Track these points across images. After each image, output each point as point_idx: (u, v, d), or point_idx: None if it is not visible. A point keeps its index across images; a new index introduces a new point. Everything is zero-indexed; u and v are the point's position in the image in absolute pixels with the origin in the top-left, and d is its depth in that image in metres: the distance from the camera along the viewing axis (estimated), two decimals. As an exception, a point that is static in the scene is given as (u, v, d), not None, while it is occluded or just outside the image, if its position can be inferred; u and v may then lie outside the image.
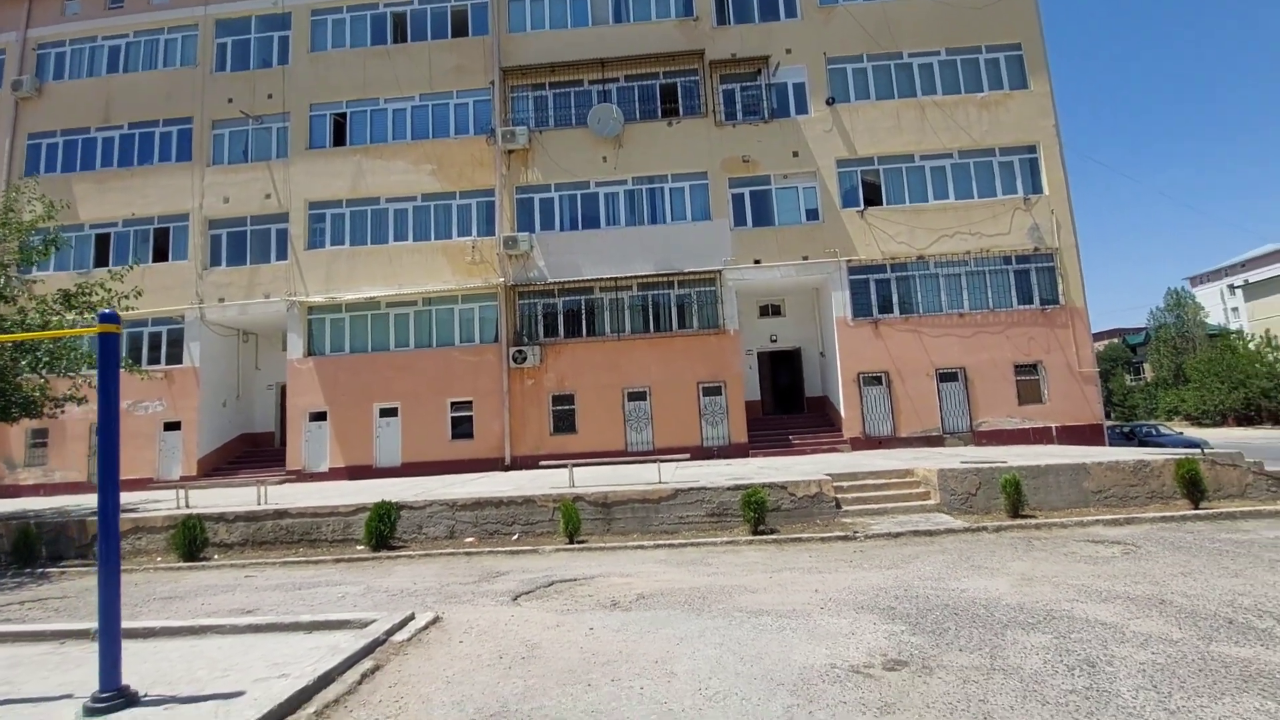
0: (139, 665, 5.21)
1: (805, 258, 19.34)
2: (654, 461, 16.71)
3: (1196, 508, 10.15)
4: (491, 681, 4.71)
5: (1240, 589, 6.07)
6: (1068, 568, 7.27)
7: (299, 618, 6.23)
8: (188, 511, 11.54)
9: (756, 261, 19.37)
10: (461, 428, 19.33)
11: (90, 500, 16.27)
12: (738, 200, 19.89)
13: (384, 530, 10.45)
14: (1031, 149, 19.49)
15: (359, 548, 10.71)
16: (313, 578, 9.07)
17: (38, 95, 22.43)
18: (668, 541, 9.95)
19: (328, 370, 19.66)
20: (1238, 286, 58.68)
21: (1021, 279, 19.13)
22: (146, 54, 22.30)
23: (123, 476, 17.01)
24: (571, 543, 10.16)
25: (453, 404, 19.39)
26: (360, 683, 4.75)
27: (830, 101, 19.80)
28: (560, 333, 19.63)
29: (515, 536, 10.85)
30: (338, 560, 10.07)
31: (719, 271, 19.33)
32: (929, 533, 9.52)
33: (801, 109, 20.00)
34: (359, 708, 4.37)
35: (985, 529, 9.60)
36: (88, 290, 13.30)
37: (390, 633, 5.68)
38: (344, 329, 20.04)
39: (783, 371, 22.04)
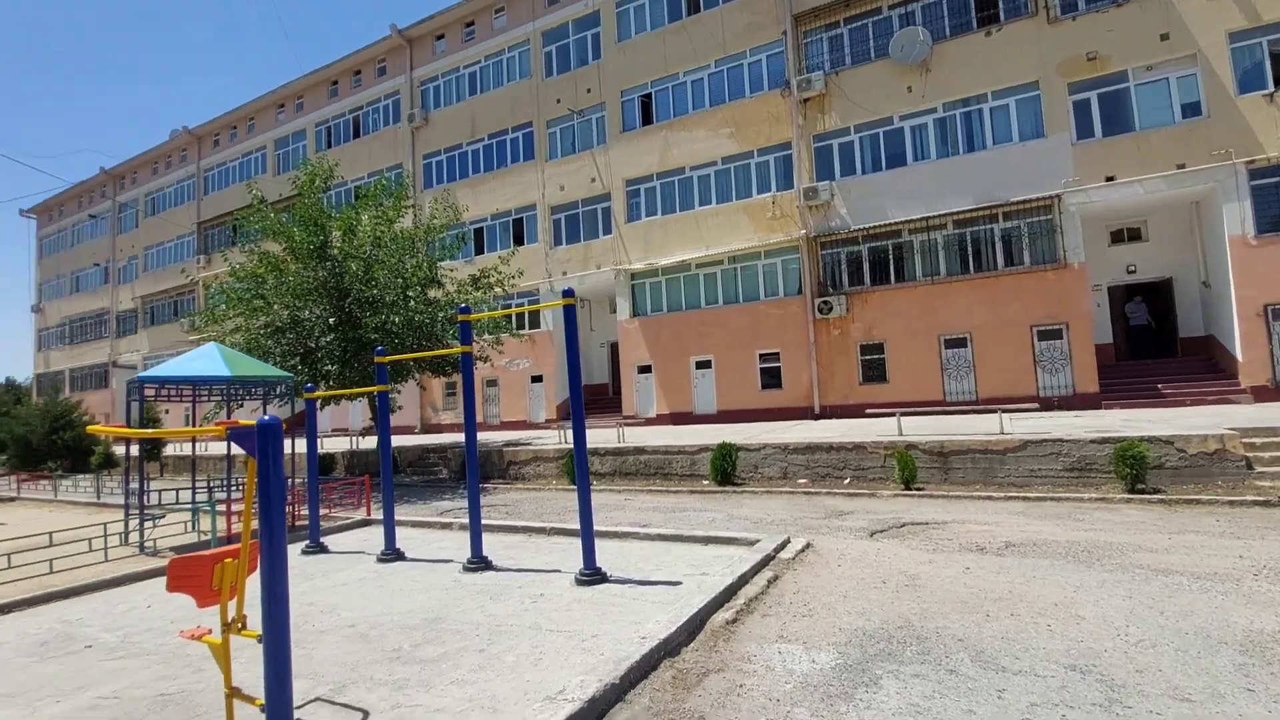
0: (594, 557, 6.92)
1: (1181, 166, 15.69)
2: (977, 412, 15.60)
3: None
4: (885, 600, 5.26)
5: None
6: None
7: (694, 532, 7.57)
8: (568, 447, 14.38)
9: (1109, 179, 16.33)
10: (770, 378, 20.29)
11: (493, 436, 21.08)
12: (1080, 109, 16.87)
13: (727, 468, 11.77)
14: None
15: (705, 482, 12.25)
16: (676, 504, 10.73)
17: (425, 124, 28.79)
18: (1020, 494, 9.43)
19: (650, 329, 22.22)
20: None
21: None
22: (494, 74, 27.03)
23: (504, 418, 21.66)
24: (908, 489, 10.25)
25: (761, 355, 20.42)
26: (768, 588, 5.70)
27: (1220, -42, 15.44)
28: (866, 281, 19.17)
29: (846, 480, 11.30)
30: (691, 491, 11.70)
31: (1057, 197, 16.78)
32: None
33: (1173, -22, 15.98)
34: (774, 605, 5.28)
35: None
36: (487, 273, 17.14)
37: (776, 551, 6.60)
38: (661, 291, 22.34)
39: (1145, 308, 18.39)
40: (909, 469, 10.29)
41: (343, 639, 4.93)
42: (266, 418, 3.38)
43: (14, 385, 49.93)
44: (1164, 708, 3.36)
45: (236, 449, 13.26)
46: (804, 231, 19.69)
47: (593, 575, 6.03)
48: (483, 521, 9.08)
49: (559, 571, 6.53)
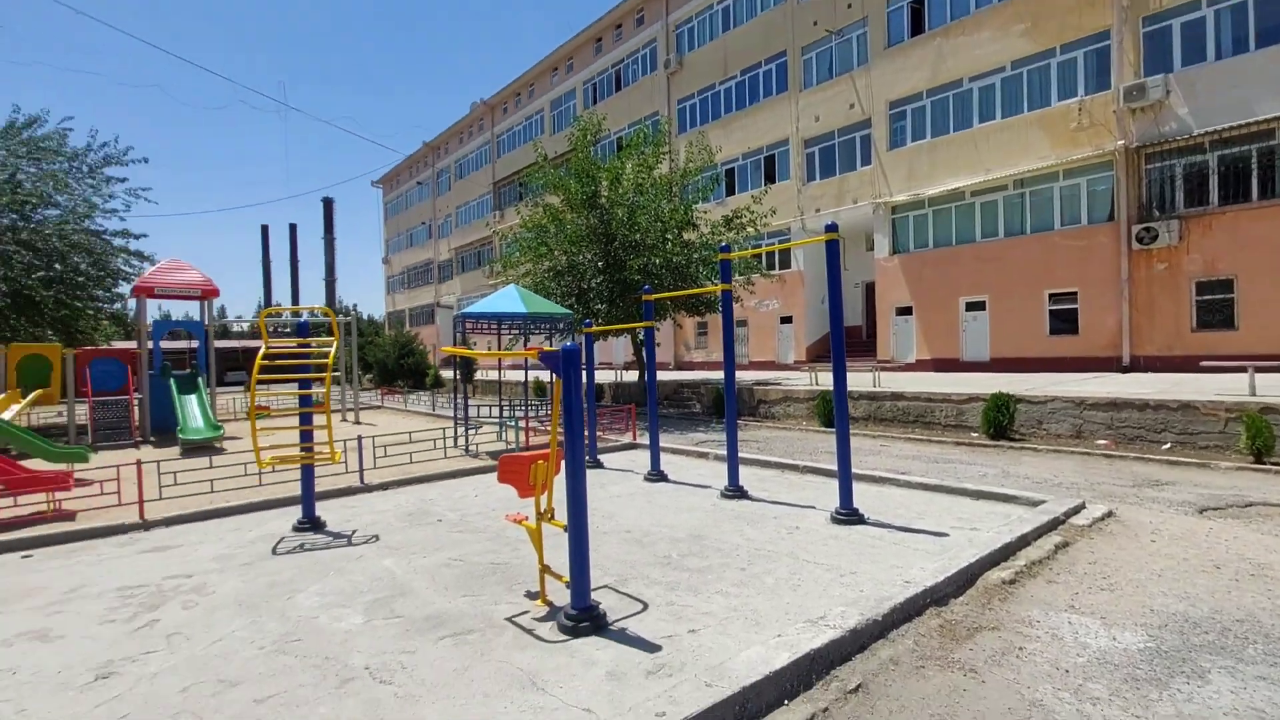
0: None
1: None
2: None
3: None
4: (1217, 587, 4.38)
5: None
6: None
7: (963, 485, 7.04)
8: (824, 388, 14.14)
9: None
10: (1062, 321, 17.41)
11: (742, 376, 21.59)
12: None
13: (1002, 420, 10.57)
14: None
15: (973, 434, 11.17)
16: (939, 454, 9.99)
17: (680, 68, 29.25)
18: None
19: (912, 267, 20.42)
20: None
21: None
22: (748, 5, 26.21)
23: (752, 359, 21.88)
24: (1260, 463, 8.18)
25: (1051, 295, 17.56)
26: (1055, 554, 5.11)
27: None
28: (1211, 200, 15.13)
29: (1166, 446, 9.40)
30: (957, 443, 10.78)
31: None
32: None
33: None
34: (1063, 573, 4.73)
35: None
36: (739, 214, 17.24)
37: (1066, 516, 5.85)
38: (927, 225, 20.28)
39: None
40: (1263, 437, 8.16)
41: (621, 542, 5.66)
42: (569, 344, 3.94)
43: (374, 321, 64.29)
44: None
45: (536, 375, 15.23)
46: (1122, 142, 16.10)
47: (849, 515, 6.00)
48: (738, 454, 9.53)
49: (813, 508, 6.61)
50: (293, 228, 60.05)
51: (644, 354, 19.51)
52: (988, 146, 18.61)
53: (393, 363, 32.02)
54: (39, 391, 14.99)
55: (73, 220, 19.18)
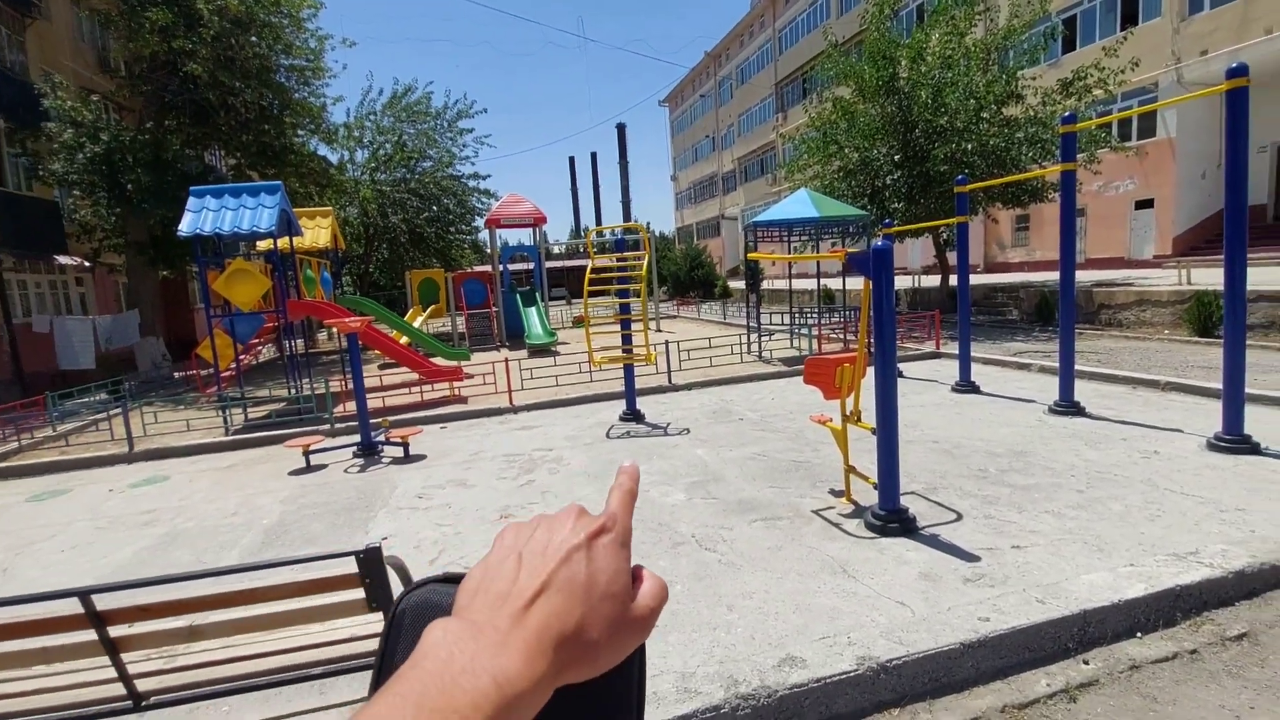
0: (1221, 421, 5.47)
1: None
2: None
3: None
4: None
5: None
6: None
7: None
8: (1198, 287, 11.20)
9: None
10: None
11: (1077, 275, 18.11)
12: None
13: None
14: None
15: None
16: (1399, 375, 7.30)
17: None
18: None
19: (1372, 112, 14.39)
20: None
21: None
22: None
23: (1090, 255, 18.04)
24: None
25: None
26: None
27: None
28: None
29: None
30: None
31: None
32: None
33: None
34: None
35: None
36: (1082, 73, 13.91)
37: None
38: None
39: None
40: None
41: (928, 451, 5.43)
42: (880, 243, 3.79)
43: (665, 237, 68.49)
44: None
45: (825, 284, 14.92)
46: None
47: (1238, 441, 4.84)
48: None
49: (1180, 431, 5.47)
50: (593, 156, 65.93)
51: (952, 255, 17.45)
52: None
53: (684, 275, 33.99)
54: (433, 306, 19.50)
55: (440, 169, 23.98)
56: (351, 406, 7.75)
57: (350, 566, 2.04)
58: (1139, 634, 2.82)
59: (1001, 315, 15.82)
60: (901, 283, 22.69)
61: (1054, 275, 19.40)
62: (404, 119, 23.70)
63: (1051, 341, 11.70)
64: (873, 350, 3.99)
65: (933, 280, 20.39)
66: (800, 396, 7.95)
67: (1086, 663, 2.67)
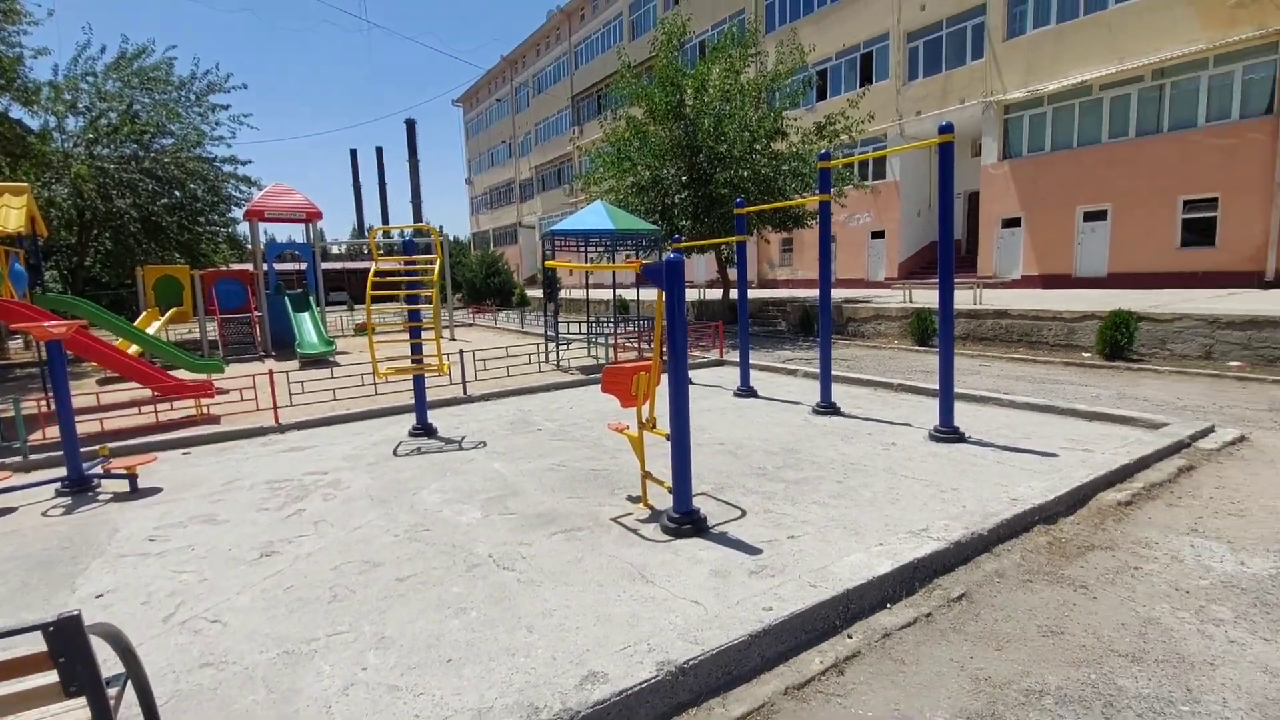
0: (937, 416, 6.65)
1: None
2: None
3: None
4: (1370, 518, 4.05)
5: None
6: None
7: (1073, 405, 6.69)
8: (919, 305, 13.53)
9: None
10: (1196, 232, 15.63)
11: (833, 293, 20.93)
12: None
13: (1120, 340, 9.83)
14: None
15: (1085, 354, 10.47)
16: (1046, 375, 9.47)
17: (769, -42, 26.86)
18: None
19: (1024, 173, 18.69)
20: None
21: None
22: (849, -122, 23.44)
23: (839, 276, 20.99)
24: None
25: (1185, 203, 15.71)
26: (1177, 476, 4.84)
27: None
28: None
29: (1315, 368, 8.50)
30: (1066, 364, 10.16)
31: None
32: None
33: None
34: (1186, 497, 4.49)
35: None
36: (832, 120, 16.17)
37: (1192, 439, 5.48)
38: (1045, 125, 18.32)
39: None
40: None
41: (715, 453, 5.80)
42: (672, 256, 3.93)
43: (460, 242, 65.92)
44: None
45: (620, 294, 15.34)
46: (1297, 18, 13.72)
47: (949, 433, 5.87)
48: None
49: (910, 425, 6.50)
50: (379, 151, 61.55)
51: (732, 271, 19.16)
52: (1124, 30, 16.34)
53: (481, 281, 33.02)
54: (175, 310, 16.54)
55: (185, 148, 20.43)
56: (54, 432, 6.21)
57: (38, 643, 1.56)
58: (889, 605, 3.23)
59: (773, 326, 17.69)
60: (689, 295, 24.38)
61: (814, 292, 22.29)
62: (135, 85, 19.85)
63: (813, 350, 13.33)
64: (666, 358, 4.13)
65: (716, 293, 22.18)
66: (598, 405, 8.06)
67: (850, 637, 2.99)
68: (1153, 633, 2.93)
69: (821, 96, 24.54)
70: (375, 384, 8.69)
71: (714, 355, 11.60)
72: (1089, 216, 17.53)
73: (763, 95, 16.77)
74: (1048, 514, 4.14)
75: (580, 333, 13.70)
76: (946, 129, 5.59)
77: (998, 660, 2.79)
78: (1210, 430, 5.72)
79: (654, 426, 4.44)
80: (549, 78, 45.91)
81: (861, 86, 22.89)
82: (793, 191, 16.25)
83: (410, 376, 6.86)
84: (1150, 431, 5.73)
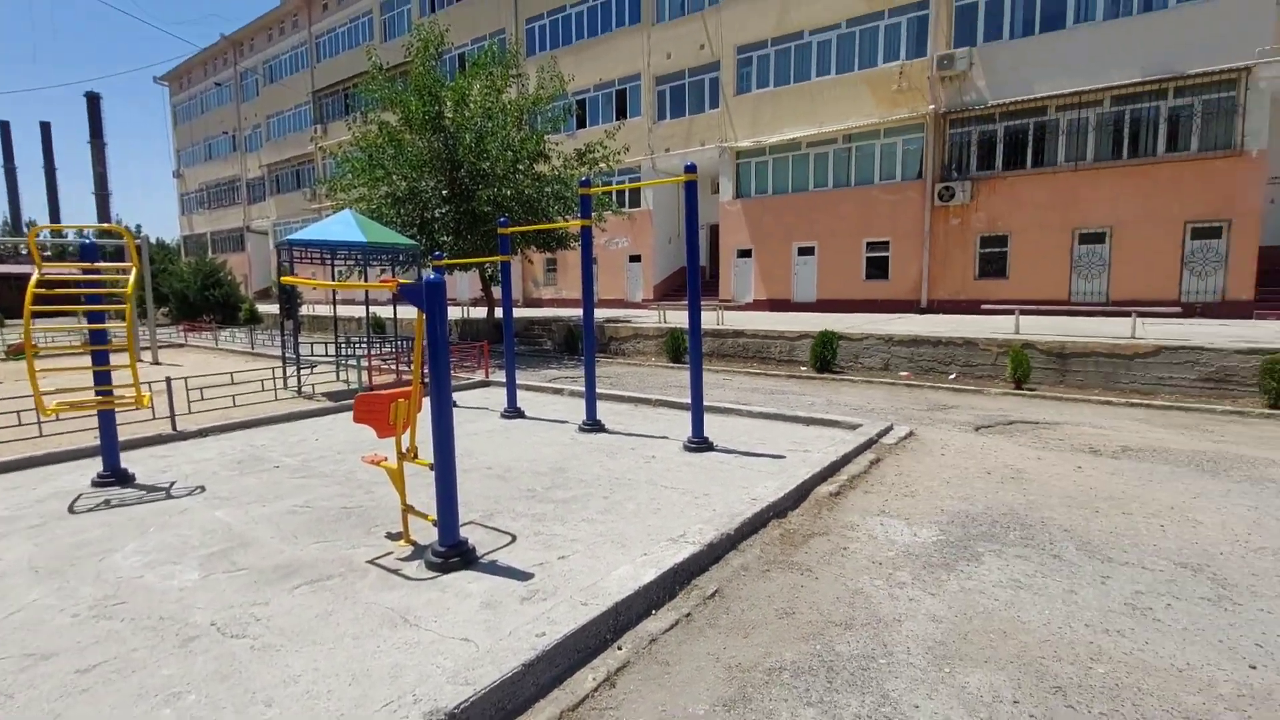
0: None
1: None
2: (1106, 314, 14.54)
3: None
4: (989, 489, 5.37)
5: None
6: None
7: (796, 413, 7.82)
8: (672, 325, 14.72)
9: (1324, 46, 13.66)
10: (876, 268, 19.49)
11: (597, 313, 21.80)
12: (1304, -47, 13.86)
13: (827, 356, 11.78)
14: None
15: (803, 369, 12.35)
16: (775, 387, 10.96)
17: (529, -16, 27.46)
18: (1143, 402, 8.97)
19: (753, 211, 21.56)
20: None
21: None
22: (600, -76, 25.06)
23: (601, 297, 22.06)
24: (1018, 389, 9.96)
25: (868, 244, 19.53)
26: (870, 468, 5.92)
27: None
28: (997, 165, 17.52)
29: (952, 376, 11.08)
30: (790, 376, 11.86)
31: (1246, 69, 14.29)
32: None
33: None
34: (876, 484, 5.52)
35: None
36: (592, 148, 16.95)
37: (878, 436, 6.76)
38: (768, 171, 21.38)
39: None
40: (1023, 368, 9.93)
41: (484, 478, 5.64)
42: (433, 276, 3.76)
43: (165, 246, 55.39)
44: (1276, 607, 3.39)
45: (375, 311, 14.16)
46: (932, 107, 17.96)
47: (700, 443, 6.45)
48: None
49: (667, 438, 7.01)
50: (45, 127, 49.19)
51: (497, 290, 18.91)
52: (823, 100, 19.84)
53: (195, 294, 28.08)
54: None
55: None
56: None
57: None
58: (654, 611, 3.42)
59: (538, 345, 17.84)
60: (452, 313, 23.50)
61: (579, 311, 23.05)
62: None
63: (578, 369, 13.72)
64: (428, 382, 3.91)
65: (480, 312, 21.71)
66: (349, 435, 7.34)
67: (620, 648, 3.10)
68: (859, 601, 3.52)
69: (581, 125, 25.63)
70: (40, 422, 6.86)
71: (479, 376, 11.31)
72: (802, 251, 20.81)
73: (525, 117, 16.97)
74: (779, 509, 4.76)
75: (328, 354, 12.37)
76: (691, 169, 6.20)
77: (745, 646, 3.11)
78: (890, 428, 7.12)
79: (416, 456, 4.16)
80: (284, 66, 41.15)
81: (618, 120, 24.41)
82: (555, 213, 16.65)
83: (95, 411, 5.53)
84: (850, 432, 6.94)
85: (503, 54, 17.06)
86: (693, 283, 6.44)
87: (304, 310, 27.03)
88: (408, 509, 4.20)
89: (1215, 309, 14.91)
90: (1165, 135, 15.41)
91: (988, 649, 3.06)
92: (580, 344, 16.47)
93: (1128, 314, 11.58)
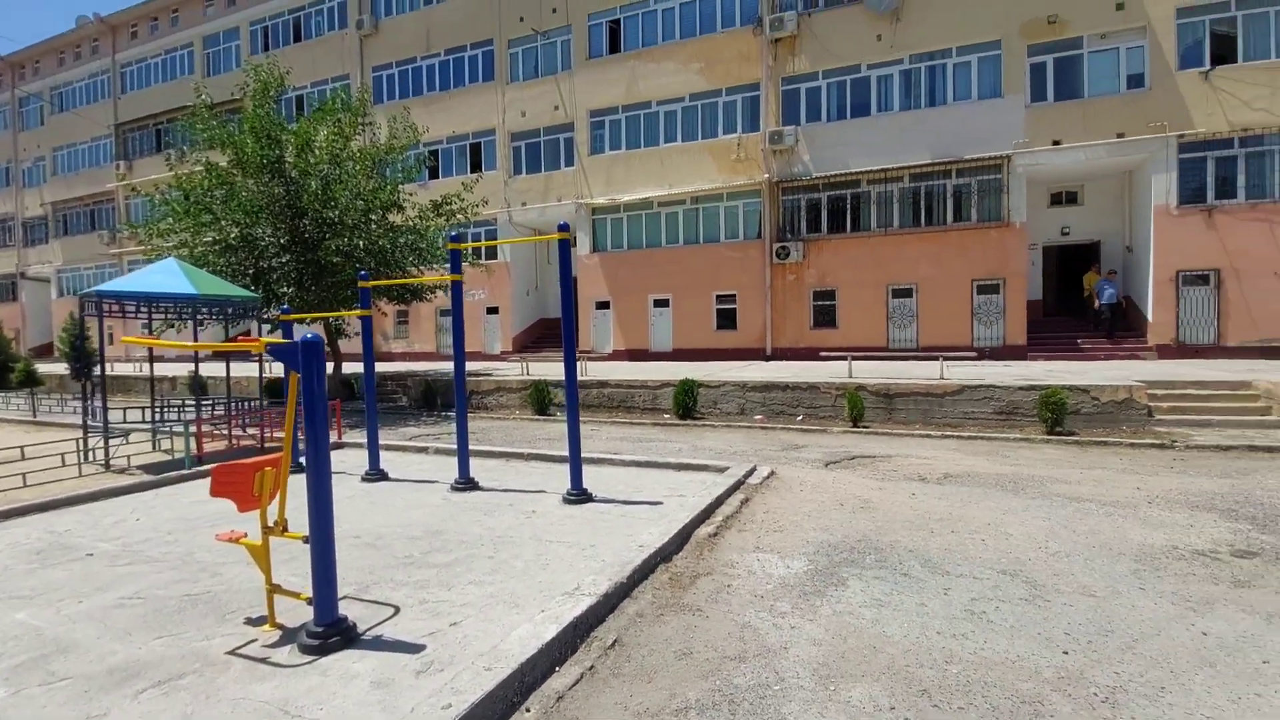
0: (569, 480, 7.35)
1: (1120, 135, 16.64)
2: (917, 359, 16.69)
3: None
4: (844, 519, 5.94)
5: None
6: None
7: (667, 460, 8.12)
8: (536, 378, 14.67)
9: (1055, 143, 17.17)
10: (725, 319, 20.90)
11: (441, 366, 21.13)
12: (1036, 71, 17.48)
13: (689, 403, 12.36)
14: None
15: (666, 416, 12.84)
16: (642, 435, 11.28)
17: (375, 32, 27.03)
18: (953, 434, 10.40)
19: (610, 265, 22.31)
20: None
21: None
22: (452, -16, 25.41)
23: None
24: (855, 427, 11.10)
25: (718, 297, 20.94)
26: (741, 508, 6.30)
27: (1179, -70, 15.98)
28: (823, 228, 19.75)
29: (799, 417, 12.09)
30: (654, 424, 12.27)
31: (1007, 157, 17.56)
32: (1269, 449, 8.67)
33: (1135, -54, 16.48)
34: (748, 524, 5.89)
35: (1356, 452, 8.48)
36: (449, 199, 16.75)
37: (745, 478, 7.22)
38: (623, 228, 22.34)
39: (1074, 268, 19.73)
40: (858, 408, 11.11)
41: (352, 548, 5.24)
42: (309, 335, 3.58)
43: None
44: (1075, 601, 4.11)
45: (204, 371, 12.71)
46: (767, 176, 19.95)
47: (580, 495, 6.49)
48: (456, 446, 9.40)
49: (544, 492, 6.96)
50: None
51: (343, 343, 17.74)
52: (672, 164, 21.30)
53: (-49, 353, 23.33)
54: None
55: None
56: None
57: None
58: (558, 667, 3.39)
59: (393, 402, 16.89)
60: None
61: (433, 365, 22.17)
62: None
63: (440, 425, 13.19)
64: (304, 447, 3.66)
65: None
66: (179, 511, 6.50)
67: (529, 710, 3.04)
68: (748, 634, 3.74)
69: (435, 176, 25.23)
70: None
71: (333, 438, 10.50)
72: (658, 303, 21.81)
73: (376, 166, 16.44)
74: (665, 554, 4.93)
75: (144, 420, 10.83)
76: (564, 227, 6.43)
77: (650, 691, 3.19)
78: (754, 469, 7.63)
79: (285, 529, 3.83)
80: (78, 95, 36.47)
81: (473, 173, 24.36)
82: (410, 265, 16.14)
83: None
84: (719, 474, 7.34)
85: (350, 101, 16.54)
86: (568, 335, 6.59)
87: (111, 369, 23.44)
88: (274, 589, 3.82)
89: (999, 352, 17.72)
90: (953, 207, 18.37)
91: (863, 664, 3.39)
92: (439, 399, 15.87)
93: (935, 358, 13.47)
